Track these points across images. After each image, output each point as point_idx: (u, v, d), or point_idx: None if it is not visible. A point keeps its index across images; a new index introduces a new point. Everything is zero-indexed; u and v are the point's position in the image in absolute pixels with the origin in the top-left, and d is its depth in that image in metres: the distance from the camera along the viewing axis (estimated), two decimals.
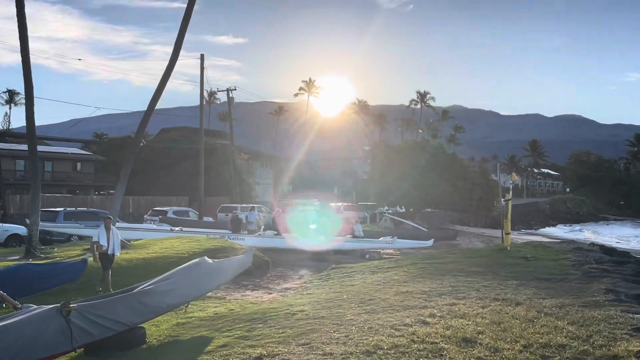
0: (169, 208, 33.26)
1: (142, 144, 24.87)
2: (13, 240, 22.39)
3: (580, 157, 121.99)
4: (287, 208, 33.57)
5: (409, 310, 8.36)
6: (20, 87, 18.35)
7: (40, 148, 42.78)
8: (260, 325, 8.09)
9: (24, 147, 23.93)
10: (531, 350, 6.01)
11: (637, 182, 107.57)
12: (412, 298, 9.42)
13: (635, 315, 7.45)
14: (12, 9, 17.42)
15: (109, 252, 12.17)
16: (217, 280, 9.93)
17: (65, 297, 9.96)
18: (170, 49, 20.81)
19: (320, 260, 20.05)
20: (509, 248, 17.14)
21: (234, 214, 26.69)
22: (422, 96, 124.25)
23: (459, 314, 7.83)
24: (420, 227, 34.99)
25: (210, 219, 33.58)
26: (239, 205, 34.97)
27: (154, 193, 48.48)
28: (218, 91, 47.73)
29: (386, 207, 43.32)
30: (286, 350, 6.43)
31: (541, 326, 6.99)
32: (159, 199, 44.68)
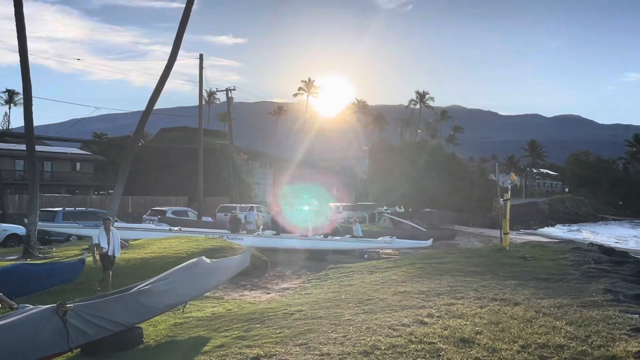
0: (167, 208, 33.23)
1: (140, 144, 24.77)
2: (12, 240, 22.32)
3: (579, 157, 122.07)
4: (286, 208, 33.54)
5: (407, 310, 8.34)
6: (19, 87, 18.33)
7: (39, 148, 42.82)
8: (257, 326, 8.07)
9: (24, 147, 23.89)
10: (529, 350, 6.00)
11: (635, 182, 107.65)
12: (410, 298, 9.40)
13: (634, 316, 7.43)
14: (12, 9, 17.41)
15: (109, 253, 12.13)
16: (215, 280, 9.91)
17: (64, 297, 9.93)
18: (169, 49, 20.79)
19: (319, 260, 20.03)
20: (507, 248, 17.12)
21: (232, 214, 26.65)
22: (421, 96, 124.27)
23: (457, 314, 7.82)
24: (419, 227, 34.96)
25: (209, 219, 33.55)
26: (238, 205, 34.94)
27: (154, 193, 48.45)
28: (217, 91, 47.76)
29: (385, 207, 43.30)
30: (283, 350, 6.41)
31: (539, 326, 6.97)
32: (159, 198, 44.65)
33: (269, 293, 13.44)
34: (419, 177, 41.59)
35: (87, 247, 18.39)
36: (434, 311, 8.08)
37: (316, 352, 6.24)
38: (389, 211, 41.78)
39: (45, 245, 21.22)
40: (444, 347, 6.16)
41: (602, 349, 5.92)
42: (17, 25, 17.31)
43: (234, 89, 43.22)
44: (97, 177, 57.78)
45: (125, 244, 12.74)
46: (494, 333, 6.69)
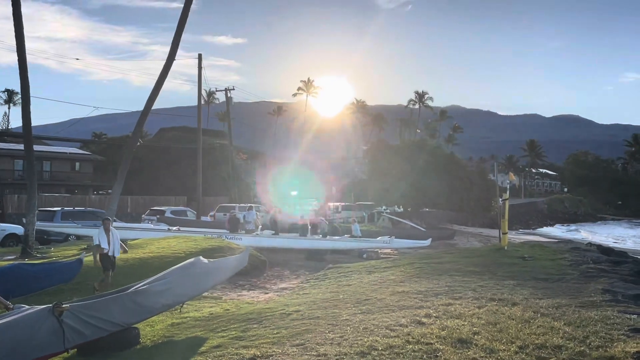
0: (166, 208, 33.25)
1: (139, 144, 24.76)
2: (10, 239, 22.34)
3: (578, 157, 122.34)
4: (285, 208, 33.47)
5: (405, 310, 8.32)
6: (19, 87, 18.32)
7: (39, 148, 42.84)
8: (255, 326, 8.05)
9: (23, 147, 23.88)
10: (527, 351, 5.97)
11: (634, 182, 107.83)
12: (408, 298, 9.37)
13: (632, 316, 7.40)
14: (11, 9, 17.39)
15: (110, 253, 12.10)
16: (212, 280, 9.89)
17: (61, 297, 9.91)
18: (169, 49, 20.79)
19: (318, 260, 20.02)
20: (506, 248, 17.10)
21: (231, 214, 26.62)
22: (421, 96, 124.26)
23: (455, 314, 7.79)
24: (419, 227, 34.96)
25: (208, 219, 33.53)
26: (237, 204, 34.94)
27: (153, 193, 48.49)
28: (217, 91, 47.75)
29: (384, 207, 43.28)
30: (280, 351, 6.39)
31: (537, 327, 6.95)
32: (158, 198, 44.68)
33: (267, 293, 13.42)
34: (418, 177, 41.56)
35: (86, 247, 18.38)
36: (431, 311, 8.05)
37: (313, 353, 6.21)
38: (387, 211, 41.79)
39: (43, 245, 21.21)
40: (441, 347, 6.13)
41: (600, 350, 5.90)
42: (15, 25, 17.31)
43: (233, 89, 43.24)
44: (96, 177, 57.76)
45: (125, 248, 12.70)
46: (492, 333, 6.67)
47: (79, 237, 23.47)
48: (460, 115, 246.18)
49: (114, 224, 14.85)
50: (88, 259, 13.12)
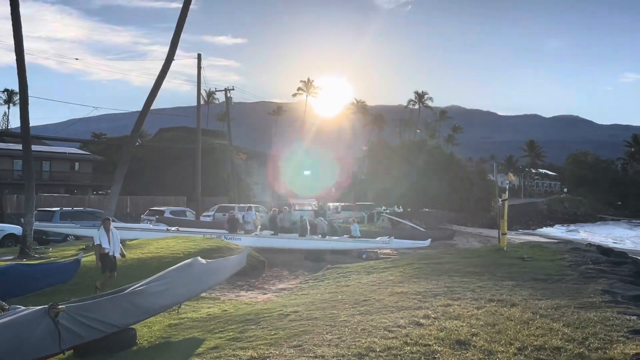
0: (166, 208, 33.19)
1: (137, 144, 24.71)
2: (9, 240, 22.27)
3: (577, 157, 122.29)
4: (284, 208, 33.40)
5: (403, 311, 8.27)
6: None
7: (38, 148, 42.82)
8: (252, 327, 8.00)
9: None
10: (525, 353, 5.93)
11: (634, 182, 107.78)
12: (406, 299, 9.33)
13: (632, 317, 7.35)
14: (9, 9, 17.36)
15: (110, 253, 12.06)
16: (210, 280, 9.85)
17: (59, 297, 9.88)
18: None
19: (317, 261, 19.97)
20: (505, 248, 17.04)
21: (230, 214, 26.57)
22: (420, 96, 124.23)
23: (454, 315, 7.74)
24: (418, 227, 34.92)
25: (208, 219, 33.47)
26: (237, 205, 34.87)
27: (153, 193, 48.43)
28: (216, 91, 47.68)
29: (384, 207, 43.24)
30: (277, 352, 6.34)
31: (536, 328, 6.90)
32: (157, 198, 44.61)
33: (265, 293, 13.38)
34: (417, 177, 41.59)
35: (84, 247, 18.35)
36: (430, 312, 8.01)
37: (310, 354, 6.16)
38: (387, 211, 41.73)
39: (42, 245, 21.17)
40: (439, 349, 6.08)
41: (600, 352, 5.85)
42: (13, 25, 17.30)
43: (233, 89, 43.18)
44: (95, 177, 57.74)
45: (123, 253, 12.65)
46: (491, 335, 6.62)
47: (77, 238, 23.43)
48: (460, 115, 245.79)
49: (112, 224, 14.79)
50: (86, 259, 13.08)
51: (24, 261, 14.45)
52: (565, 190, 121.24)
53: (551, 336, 6.48)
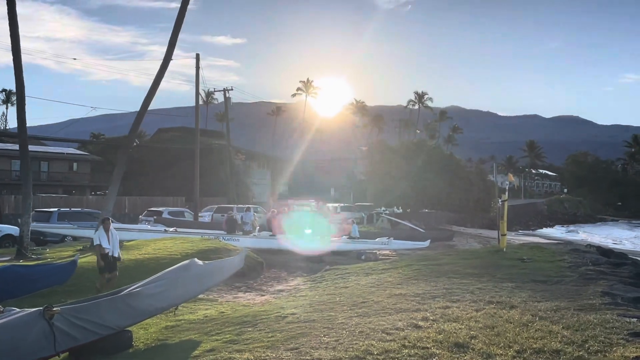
0: (164, 208, 33.05)
1: (135, 144, 24.65)
2: (6, 240, 22.20)
3: (577, 158, 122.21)
4: (283, 208, 33.37)
5: (402, 313, 8.21)
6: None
7: (36, 148, 42.68)
8: (249, 329, 7.94)
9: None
10: (525, 356, 5.87)
11: (634, 183, 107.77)
12: (405, 301, 9.27)
13: (632, 319, 7.30)
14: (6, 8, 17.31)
15: (110, 253, 11.98)
16: (207, 282, 9.76)
17: (55, 298, 9.82)
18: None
19: (315, 262, 19.86)
20: (505, 249, 16.99)
21: (229, 215, 26.51)
22: (420, 97, 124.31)
23: (452, 318, 7.68)
24: (418, 228, 34.84)
25: (207, 219, 33.41)
26: (235, 205, 34.80)
27: (151, 193, 48.33)
28: (215, 91, 47.60)
29: (383, 208, 43.16)
30: (274, 355, 6.28)
31: (535, 330, 6.84)
32: (156, 199, 44.50)
33: (263, 295, 13.30)
34: (417, 177, 41.48)
35: (82, 248, 18.27)
36: (428, 314, 7.95)
37: (307, 357, 6.10)
38: (387, 212, 41.66)
39: (39, 246, 21.08)
40: (437, 352, 6.03)
41: (599, 355, 5.79)
42: (10, 25, 17.22)
43: (232, 89, 43.11)
44: (94, 177, 57.65)
45: (120, 256, 12.57)
46: (489, 337, 6.56)
47: (75, 238, 23.34)
48: (460, 115, 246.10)
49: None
50: (84, 260, 13.00)
51: (21, 262, 14.36)
52: (565, 190, 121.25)
53: (550, 339, 6.42)
